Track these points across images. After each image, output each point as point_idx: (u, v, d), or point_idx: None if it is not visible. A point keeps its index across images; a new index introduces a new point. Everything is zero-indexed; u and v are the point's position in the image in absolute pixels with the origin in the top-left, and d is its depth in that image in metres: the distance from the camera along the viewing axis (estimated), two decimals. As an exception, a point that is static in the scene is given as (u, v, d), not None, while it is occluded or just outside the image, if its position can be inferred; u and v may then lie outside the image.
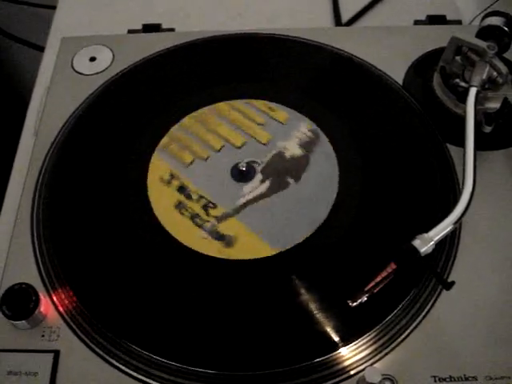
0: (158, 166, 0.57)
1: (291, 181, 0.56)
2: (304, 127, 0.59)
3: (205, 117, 0.60)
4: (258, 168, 0.57)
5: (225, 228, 0.53)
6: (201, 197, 0.55)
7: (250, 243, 0.52)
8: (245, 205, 0.54)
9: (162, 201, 0.55)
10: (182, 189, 0.55)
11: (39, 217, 0.54)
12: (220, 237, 0.52)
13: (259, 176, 0.56)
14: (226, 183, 0.56)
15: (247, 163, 0.57)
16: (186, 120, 0.60)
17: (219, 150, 0.58)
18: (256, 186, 0.56)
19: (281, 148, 0.58)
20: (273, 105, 0.61)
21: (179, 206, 0.54)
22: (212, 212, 0.54)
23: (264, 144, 0.58)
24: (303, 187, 0.55)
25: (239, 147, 0.58)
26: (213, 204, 0.54)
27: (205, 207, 0.54)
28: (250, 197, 0.55)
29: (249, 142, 0.59)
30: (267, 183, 0.56)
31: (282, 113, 0.60)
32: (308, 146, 0.58)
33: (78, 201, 0.55)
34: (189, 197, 0.55)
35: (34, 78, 0.72)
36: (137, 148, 0.58)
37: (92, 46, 0.67)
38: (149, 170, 0.57)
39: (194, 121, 0.60)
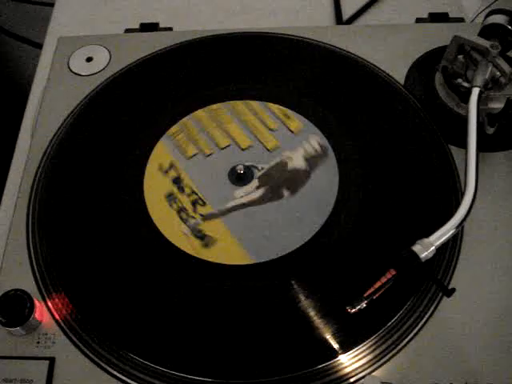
0: (160, 156, 0.57)
1: (286, 193, 0.55)
2: (314, 141, 0.58)
3: (219, 112, 0.60)
4: (257, 173, 0.56)
5: (208, 228, 0.53)
6: (193, 192, 0.54)
7: (228, 248, 0.51)
8: (233, 208, 0.54)
9: (154, 189, 0.55)
10: (176, 180, 0.55)
11: (34, 222, 0.53)
12: (200, 236, 0.52)
13: (255, 182, 0.56)
14: (221, 183, 0.56)
15: (246, 167, 0.56)
16: (199, 112, 0.60)
17: (223, 149, 0.57)
18: (249, 192, 0.55)
19: (285, 158, 0.57)
20: (290, 112, 0.60)
21: (170, 197, 0.54)
22: (200, 209, 0.53)
23: (269, 150, 0.57)
24: (297, 201, 0.54)
25: (244, 149, 0.57)
26: (202, 201, 0.54)
27: (194, 203, 0.54)
28: (240, 201, 0.54)
29: (254, 146, 0.58)
30: (261, 191, 0.55)
31: (297, 122, 0.59)
32: (313, 160, 0.57)
33: (74, 206, 0.54)
34: (181, 190, 0.54)
35: (33, 76, 0.72)
36: (134, 148, 0.58)
37: (88, 45, 0.66)
38: (148, 163, 0.57)
39: (207, 114, 0.59)
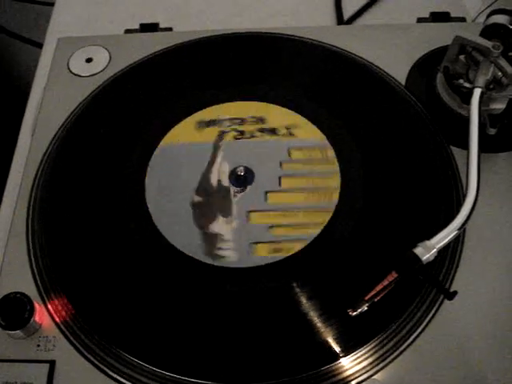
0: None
1: None
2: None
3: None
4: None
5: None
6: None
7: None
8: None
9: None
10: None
11: (34, 224, 0.53)
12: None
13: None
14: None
15: (247, 169, 0.56)
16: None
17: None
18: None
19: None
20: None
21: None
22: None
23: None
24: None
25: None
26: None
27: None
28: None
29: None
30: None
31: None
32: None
33: (73, 208, 0.54)
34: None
35: (33, 75, 0.72)
36: (134, 149, 0.57)
37: (88, 46, 0.66)
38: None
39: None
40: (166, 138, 0.58)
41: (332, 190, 0.54)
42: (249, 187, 0.55)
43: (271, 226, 0.52)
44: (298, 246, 0.51)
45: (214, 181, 0.55)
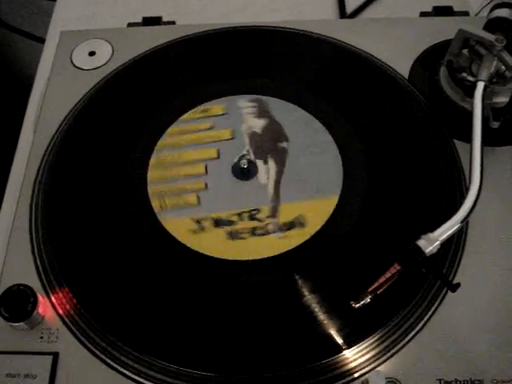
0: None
1: (284, 144, 0.56)
2: (243, 102, 0.59)
3: (165, 160, 0.57)
4: (252, 157, 0.56)
5: (285, 216, 0.52)
6: (239, 214, 0.53)
7: (316, 208, 0.52)
8: (276, 189, 0.54)
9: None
10: (218, 222, 0.52)
11: (37, 217, 0.53)
12: (291, 225, 0.52)
13: (260, 162, 0.56)
14: (240, 189, 0.55)
15: (243, 160, 0.56)
16: (152, 173, 0.56)
17: (207, 172, 0.56)
18: (266, 170, 0.55)
19: (247, 130, 0.58)
20: (202, 106, 0.60)
21: (232, 235, 0.52)
22: (261, 215, 0.53)
23: (232, 138, 0.58)
24: (297, 141, 0.56)
25: (218, 157, 0.57)
26: (254, 210, 0.53)
27: (252, 217, 0.53)
28: (272, 180, 0.54)
29: (221, 147, 0.57)
30: (271, 161, 0.56)
31: (216, 107, 0.59)
32: (263, 113, 0.58)
33: (76, 200, 0.54)
34: (230, 223, 0.52)
35: (35, 70, 0.72)
36: (137, 144, 0.58)
37: (91, 40, 0.66)
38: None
39: (159, 170, 0.56)
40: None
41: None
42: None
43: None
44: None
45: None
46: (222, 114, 0.59)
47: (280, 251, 0.50)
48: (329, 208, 0.52)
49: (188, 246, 0.51)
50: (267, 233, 0.52)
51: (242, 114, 0.59)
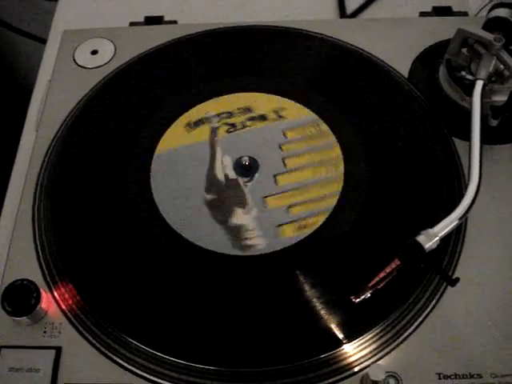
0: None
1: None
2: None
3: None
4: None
5: None
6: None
7: None
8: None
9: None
10: None
11: (40, 212, 0.54)
12: None
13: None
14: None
15: (252, 158, 0.56)
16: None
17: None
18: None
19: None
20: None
21: None
22: None
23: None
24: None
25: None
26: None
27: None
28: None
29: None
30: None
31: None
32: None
33: (79, 195, 0.55)
34: None
35: (36, 71, 0.72)
36: (139, 142, 0.58)
37: (93, 38, 0.66)
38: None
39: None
40: (159, 145, 0.58)
41: (336, 161, 0.55)
42: (256, 175, 0.56)
43: (290, 206, 0.53)
44: (321, 219, 0.52)
45: (220, 176, 0.56)
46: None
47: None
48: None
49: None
50: None
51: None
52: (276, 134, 0.58)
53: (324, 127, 0.58)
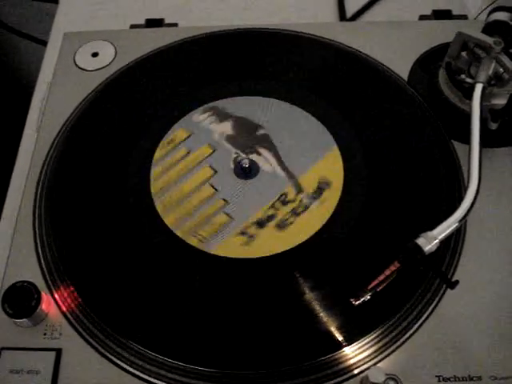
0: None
1: (261, 130, 0.59)
2: (198, 116, 0.60)
3: (171, 201, 0.55)
4: (244, 155, 0.57)
5: (310, 185, 0.54)
6: (272, 206, 0.54)
7: (328, 164, 0.56)
8: (285, 169, 0.56)
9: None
10: (261, 223, 0.53)
11: (41, 214, 0.54)
12: (319, 189, 0.54)
13: (254, 156, 0.57)
14: (256, 187, 0.55)
15: (241, 161, 0.56)
16: (168, 218, 0.54)
17: (216, 190, 0.55)
18: (264, 159, 0.57)
19: (220, 137, 0.58)
20: (166, 139, 0.58)
21: (280, 226, 0.52)
22: (291, 196, 0.54)
23: (214, 151, 0.57)
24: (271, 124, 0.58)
25: (215, 172, 0.56)
26: (282, 195, 0.54)
27: (285, 202, 0.54)
28: (276, 164, 0.56)
29: (210, 163, 0.57)
30: (262, 150, 0.57)
31: (179, 133, 0.59)
32: (223, 115, 0.60)
33: (80, 198, 0.55)
34: (271, 217, 0.53)
35: (37, 73, 0.72)
36: (140, 145, 0.58)
37: (94, 41, 0.66)
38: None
39: (173, 213, 0.54)
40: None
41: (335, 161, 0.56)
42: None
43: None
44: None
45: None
46: (189, 137, 0.58)
47: (330, 214, 0.52)
48: (338, 160, 0.55)
49: (253, 257, 0.51)
50: (306, 207, 0.53)
51: (206, 126, 0.59)
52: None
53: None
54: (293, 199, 0.54)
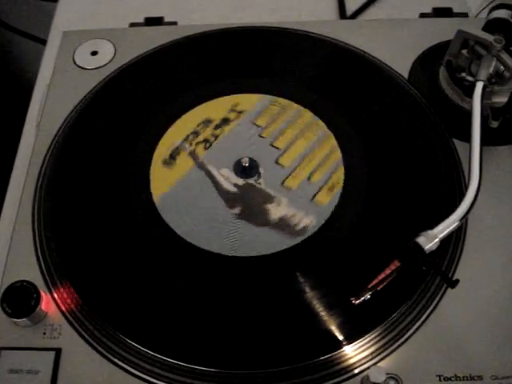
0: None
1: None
2: None
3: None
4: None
5: None
6: None
7: None
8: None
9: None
10: None
11: (40, 213, 0.54)
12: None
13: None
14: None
15: (251, 159, 0.56)
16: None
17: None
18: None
19: None
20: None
21: None
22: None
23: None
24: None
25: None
26: None
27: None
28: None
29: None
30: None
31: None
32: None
33: (79, 197, 0.54)
34: None
35: (36, 72, 0.72)
36: (139, 143, 0.58)
37: (93, 39, 0.66)
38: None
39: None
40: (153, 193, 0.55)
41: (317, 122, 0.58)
42: (261, 170, 0.56)
43: (308, 178, 0.55)
44: (340, 173, 0.55)
45: (232, 189, 0.55)
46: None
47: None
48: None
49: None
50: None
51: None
52: (248, 128, 0.59)
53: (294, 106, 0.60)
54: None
